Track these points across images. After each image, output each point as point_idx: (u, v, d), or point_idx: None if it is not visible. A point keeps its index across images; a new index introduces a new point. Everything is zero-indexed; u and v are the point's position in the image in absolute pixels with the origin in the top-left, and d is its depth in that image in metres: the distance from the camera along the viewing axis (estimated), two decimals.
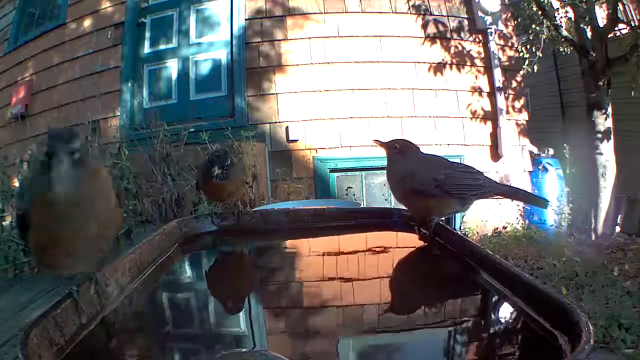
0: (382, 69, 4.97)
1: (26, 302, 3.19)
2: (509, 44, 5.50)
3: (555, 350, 0.73)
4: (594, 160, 5.31)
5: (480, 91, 5.21)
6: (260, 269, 1.35)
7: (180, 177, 4.17)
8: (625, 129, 5.87)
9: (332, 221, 1.51)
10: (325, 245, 1.45)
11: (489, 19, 5.17)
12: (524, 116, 5.46)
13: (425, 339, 0.90)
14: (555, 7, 5.85)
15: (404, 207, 1.44)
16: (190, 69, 5.17)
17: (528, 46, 6.40)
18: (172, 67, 5.22)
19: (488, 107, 5.20)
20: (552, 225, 5.13)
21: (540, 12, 5.90)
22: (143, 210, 4.06)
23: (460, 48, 5.22)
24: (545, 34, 6.34)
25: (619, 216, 5.68)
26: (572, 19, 5.57)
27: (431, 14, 5.18)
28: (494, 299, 1.01)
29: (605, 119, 5.26)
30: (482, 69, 5.24)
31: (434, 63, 5.10)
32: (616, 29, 5.49)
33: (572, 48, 5.67)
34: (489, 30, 5.18)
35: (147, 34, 5.28)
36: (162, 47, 5.26)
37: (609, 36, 5.26)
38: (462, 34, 5.25)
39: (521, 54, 6.06)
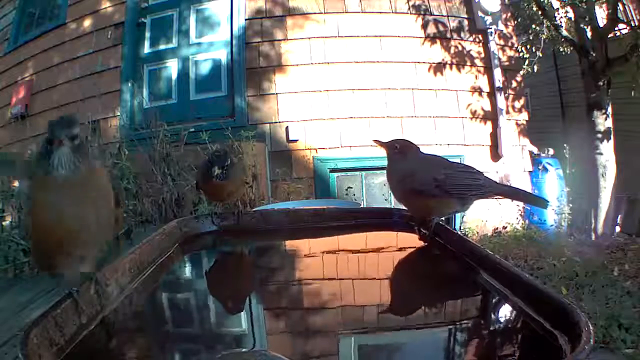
0: (382, 69, 4.97)
1: (26, 302, 3.19)
2: (509, 44, 5.50)
3: (555, 350, 0.73)
4: (594, 160, 5.31)
5: (480, 91, 5.21)
6: (260, 269, 1.35)
7: (180, 177, 4.17)
8: (625, 129, 5.87)
9: (332, 221, 1.51)
10: (325, 245, 1.45)
11: (489, 19, 5.17)
12: (524, 116, 5.46)
13: (425, 339, 0.90)
14: (555, 7, 5.85)
15: (404, 207, 1.44)
16: (190, 69, 5.17)
17: (528, 46, 6.40)
18: (172, 67, 5.22)
19: (488, 107, 5.20)
20: (552, 225, 5.13)
21: (540, 12, 5.90)
22: (143, 210, 4.06)
23: (460, 48, 5.22)
24: (545, 34, 6.34)
25: (619, 216, 5.68)
26: (572, 19, 5.57)
27: (431, 14, 5.18)
28: (494, 299, 1.01)
29: (605, 119, 5.26)
30: (482, 69, 5.24)
31: (434, 63, 5.10)
32: (616, 29, 5.49)
33: (572, 48, 5.67)
34: (489, 30, 5.18)
35: (147, 34, 5.28)
36: (162, 47, 5.26)
37: (609, 36, 5.26)
38: (462, 34, 5.25)
39: (521, 54, 6.06)
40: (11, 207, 4.01)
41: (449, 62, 5.15)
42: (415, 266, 1.31)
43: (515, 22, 6.16)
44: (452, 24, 5.24)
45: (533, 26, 6.39)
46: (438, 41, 5.17)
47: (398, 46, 5.04)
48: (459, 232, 1.51)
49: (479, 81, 5.22)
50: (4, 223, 3.98)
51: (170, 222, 1.40)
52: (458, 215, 4.16)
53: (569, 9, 5.60)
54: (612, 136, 5.28)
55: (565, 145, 5.59)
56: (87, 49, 5.34)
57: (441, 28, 5.20)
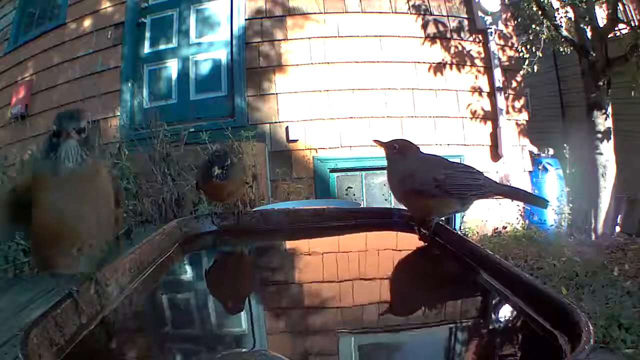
0: (382, 69, 4.97)
1: (26, 302, 3.19)
2: (509, 44, 5.50)
3: (555, 350, 0.73)
4: (594, 160, 5.31)
5: (480, 91, 5.21)
6: (260, 269, 1.35)
7: (180, 177, 4.17)
8: (625, 129, 5.87)
9: (332, 221, 1.51)
10: (325, 245, 1.44)
11: (489, 19, 5.17)
12: (524, 116, 5.46)
13: (425, 339, 0.90)
14: (555, 7, 5.85)
15: (404, 207, 1.44)
16: (190, 69, 5.17)
17: (528, 46, 6.40)
18: (172, 67, 5.22)
19: (488, 107, 5.20)
20: (552, 225, 5.13)
21: (540, 12, 5.90)
22: (143, 210, 4.06)
23: (460, 48, 5.22)
24: (545, 34, 6.34)
25: (619, 216, 5.68)
26: (572, 19, 5.57)
27: (431, 14, 5.18)
28: (494, 299, 1.01)
29: (605, 119, 5.26)
30: (482, 69, 5.24)
31: (434, 63, 5.10)
32: (616, 29, 5.49)
33: (572, 48, 5.67)
34: (489, 30, 5.18)
35: (147, 34, 5.28)
36: (162, 47, 5.26)
37: (609, 36, 5.26)
38: (462, 34, 5.25)
39: (521, 54, 6.06)
40: None
41: (449, 62, 5.15)
42: (415, 266, 1.31)
43: (515, 22, 6.16)
44: (452, 24, 5.24)
45: (533, 26, 6.39)
46: (438, 41, 5.17)
47: (398, 46, 5.04)
48: (459, 232, 1.51)
49: (479, 81, 5.22)
50: None
51: (170, 222, 1.40)
52: (458, 215, 4.16)
53: (569, 9, 5.60)
54: (612, 136, 5.28)
55: (565, 145, 5.59)
56: (87, 49, 5.34)
57: (441, 28, 5.20)
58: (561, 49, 6.49)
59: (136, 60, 5.24)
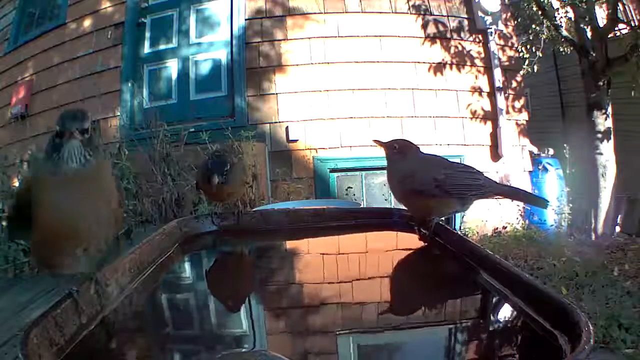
0: (382, 69, 4.97)
1: (26, 302, 3.19)
2: (509, 44, 5.50)
3: (555, 350, 0.73)
4: (594, 160, 5.31)
5: (480, 91, 5.21)
6: (260, 269, 1.35)
7: (180, 177, 4.17)
8: (625, 129, 5.87)
9: (332, 221, 1.51)
10: (325, 245, 1.45)
11: (489, 19, 5.17)
12: (524, 116, 5.46)
13: (425, 338, 0.90)
14: (555, 7, 5.85)
15: (404, 207, 1.44)
16: (190, 69, 5.17)
17: (528, 46, 6.40)
18: (172, 67, 5.22)
19: (488, 107, 5.20)
20: (552, 225, 5.13)
21: (540, 12, 5.90)
22: (143, 210, 4.06)
23: (460, 48, 5.22)
24: (545, 34, 6.34)
25: (619, 216, 5.68)
26: (572, 19, 5.57)
27: (431, 14, 5.18)
28: (494, 299, 1.01)
29: (605, 119, 5.26)
30: (482, 69, 5.24)
31: (434, 63, 5.10)
32: (616, 29, 5.49)
33: (572, 48, 5.67)
34: (489, 30, 5.18)
35: (147, 34, 5.28)
36: (162, 47, 5.26)
37: (609, 36, 5.26)
38: (462, 34, 5.25)
39: (521, 54, 6.06)
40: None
41: (449, 62, 5.15)
42: (415, 266, 1.31)
43: (515, 22, 6.16)
44: (452, 24, 5.24)
45: (533, 26, 6.39)
46: (438, 41, 5.17)
47: (398, 46, 5.04)
48: (459, 232, 1.51)
49: (479, 81, 5.22)
50: (4, 223, 3.98)
51: (170, 222, 1.40)
52: (458, 215, 4.16)
53: (569, 9, 5.60)
54: (612, 136, 5.28)
55: (565, 145, 5.59)
56: (87, 49, 5.34)
57: (441, 28, 5.20)
58: (561, 49, 6.49)
59: (136, 60, 5.24)
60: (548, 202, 1.54)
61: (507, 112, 5.23)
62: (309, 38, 4.98)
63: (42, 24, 5.85)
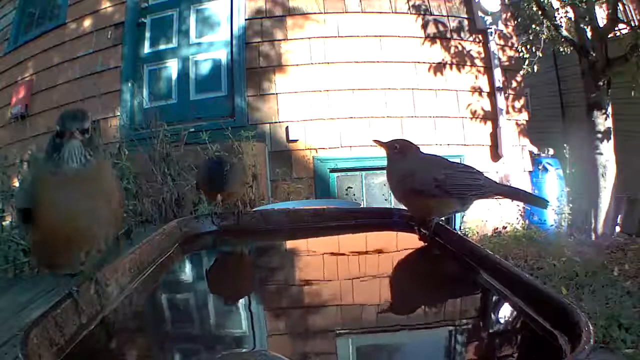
0: (382, 69, 4.97)
1: (26, 302, 3.19)
2: (509, 44, 5.50)
3: (555, 350, 0.73)
4: (594, 160, 5.31)
5: (480, 91, 5.21)
6: (260, 269, 1.35)
7: (180, 177, 4.17)
8: (625, 129, 5.87)
9: (332, 221, 1.51)
10: (325, 245, 1.44)
11: (489, 19, 5.17)
12: (524, 116, 5.46)
13: (425, 338, 0.90)
14: (555, 7, 5.85)
15: (404, 207, 1.44)
16: (190, 69, 5.17)
17: (528, 46, 6.40)
18: (172, 67, 5.22)
19: (488, 107, 5.20)
20: (552, 225, 5.13)
21: (540, 12, 5.90)
22: (143, 210, 4.06)
23: (460, 48, 5.22)
24: (545, 34, 6.34)
25: (619, 216, 5.68)
26: (572, 19, 5.58)
27: (431, 14, 5.18)
28: (494, 299, 1.01)
29: (605, 119, 5.26)
30: (482, 69, 5.24)
31: (434, 63, 5.10)
32: (616, 29, 5.49)
33: (572, 48, 5.67)
34: (489, 30, 5.18)
35: (147, 34, 5.28)
36: (162, 47, 5.26)
37: (609, 36, 5.26)
38: (462, 34, 5.25)
39: (521, 54, 6.06)
40: (11, 207, 4.01)
41: (449, 62, 5.15)
42: (415, 266, 1.31)
43: (515, 22, 6.16)
44: (452, 24, 5.24)
45: (533, 26, 6.39)
46: (438, 41, 5.17)
47: (398, 46, 5.04)
48: (459, 232, 1.51)
49: (479, 81, 5.22)
50: (4, 223, 3.98)
51: (170, 222, 1.40)
52: (458, 215, 4.16)
53: (569, 9, 5.60)
54: (612, 136, 5.28)
55: (565, 145, 5.59)
56: (87, 49, 5.34)
57: (441, 28, 5.20)
58: (561, 49, 6.49)
59: (136, 60, 5.24)
60: (548, 202, 1.54)
61: (507, 112, 5.23)
62: (309, 38, 4.98)
63: (42, 24, 5.85)
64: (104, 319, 0.89)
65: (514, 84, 5.46)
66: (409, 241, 1.40)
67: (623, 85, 5.41)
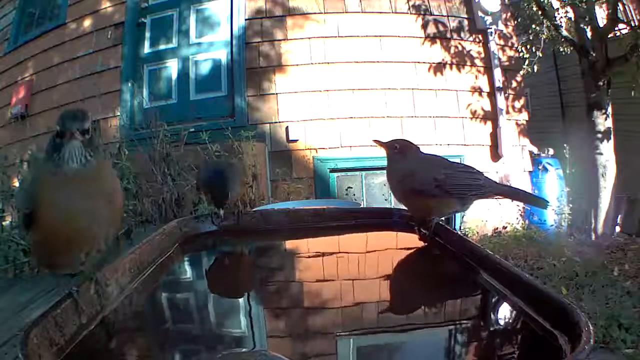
0: (382, 69, 4.97)
1: (26, 302, 3.19)
2: (509, 44, 5.50)
3: (555, 350, 0.73)
4: (594, 160, 5.31)
5: (480, 91, 5.21)
6: (260, 269, 1.35)
7: (180, 177, 4.17)
8: (625, 129, 5.87)
9: (332, 221, 1.51)
10: (325, 245, 1.44)
11: (489, 19, 5.17)
12: (524, 116, 5.46)
13: (425, 338, 0.90)
14: (555, 7, 5.85)
15: (404, 207, 1.44)
16: (190, 69, 5.17)
17: (528, 46, 6.40)
18: (172, 67, 5.22)
19: (488, 107, 5.20)
20: (552, 225, 5.13)
21: (540, 12, 5.90)
22: (143, 210, 4.06)
23: (460, 48, 5.22)
24: (545, 34, 6.34)
25: (619, 216, 5.68)
26: (572, 19, 5.58)
27: (431, 14, 5.18)
28: (494, 299, 1.01)
29: (605, 119, 5.26)
30: (482, 69, 5.24)
31: (434, 63, 5.10)
32: (616, 29, 5.49)
33: (572, 48, 5.67)
34: (489, 30, 5.18)
35: (147, 34, 5.28)
36: (162, 47, 5.26)
37: (609, 36, 5.26)
38: (462, 34, 5.25)
39: (521, 54, 6.06)
40: (11, 207, 4.02)
41: (449, 62, 5.15)
42: (415, 266, 1.31)
43: (515, 22, 6.16)
44: (452, 24, 5.24)
45: (533, 26, 6.39)
46: (438, 41, 5.17)
47: (398, 46, 5.04)
48: (459, 232, 1.51)
49: (479, 81, 5.22)
50: (4, 223, 3.98)
51: (170, 222, 1.40)
52: (458, 215, 4.16)
53: (569, 9, 5.60)
54: (612, 136, 5.28)
55: (565, 145, 5.59)
56: (87, 49, 5.34)
57: (441, 28, 5.20)
58: (561, 49, 6.49)
59: (136, 60, 5.24)
60: (548, 202, 1.54)
61: (507, 112, 5.23)
62: (309, 38, 4.98)
63: (42, 24, 5.85)
64: (104, 319, 0.89)
65: (514, 84, 5.46)
66: (409, 241, 1.40)
67: (623, 85, 5.41)
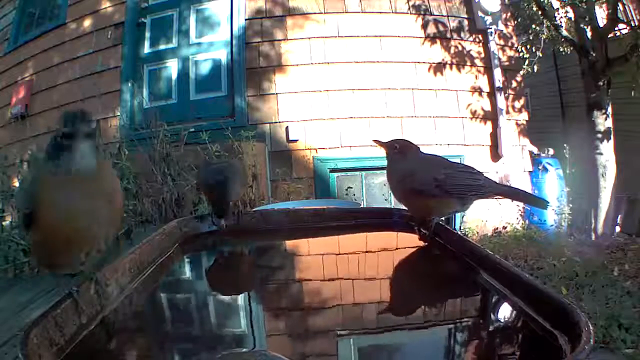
0: (382, 69, 4.97)
1: (26, 302, 3.19)
2: (509, 44, 5.50)
3: (555, 350, 0.73)
4: (594, 160, 5.31)
5: (480, 91, 5.21)
6: (260, 269, 1.35)
7: (180, 177, 4.17)
8: (625, 129, 5.87)
9: (332, 221, 1.51)
10: (325, 245, 1.44)
11: (489, 19, 5.17)
12: (524, 116, 5.46)
13: (425, 338, 0.90)
14: (555, 7, 5.85)
15: (404, 207, 1.44)
16: (190, 69, 5.17)
17: (528, 46, 6.40)
18: (172, 67, 5.22)
19: (488, 107, 5.20)
20: (552, 225, 5.13)
21: (540, 12, 5.90)
22: (143, 210, 4.06)
23: (460, 48, 5.22)
24: (545, 34, 6.34)
25: (619, 216, 5.68)
26: (572, 19, 5.57)
27: (431, 14, 5.18)
28: (494, 299, 1.01)
29: (605, 119, 5.26)
30: (482, 69, 5.24)
31: (434, 63, 5.10)
32: (616, 29, 5.49)
33: (572, 48, 5.67)
34: (489, 30, 5.18)
35: (147, 34, 5.28)
36: (162, 47, 5.26)
37: (609, 36, 5.26)
38: (462, 34, 5.25)
39: (521, 54, 6.06)
40: (11, 207, 4.02)
41: (449, 62, 5.15)
42: (415, 266, 1.31)
43: (515, 22, 6.16)
44: (452, 24, 5.24)
45: (533, 26, 6.39)
46: (438, 41, 5.17)
47: (398, 46, 5.05)
48: (459, 232, 1.51)
49: (479, 81, 5.22)
50: (4, 223, 3.98)
51: (170, 222, 1.40)
52: (458, 215, 4.16)
53: (569, 9, 5.60)
54: (612, 136, 5.28)
55: (565, 145, 5.59)
56: (87, 49, 5.34)
57: (441, 28, 5.20)
58: (561, 49, 6.49)
59: (136, 60, 5.24)
60: (548, 202, 1.54)
61: (507, 112, 5.23)
62: (309, 38, 4.98)
63: (42, 24, 5.85)
64: (104, 319, 0.89)
65: (514, 84, 5.46)
66: (409, 241, 1.40)
67: (623, 85, 5.41)
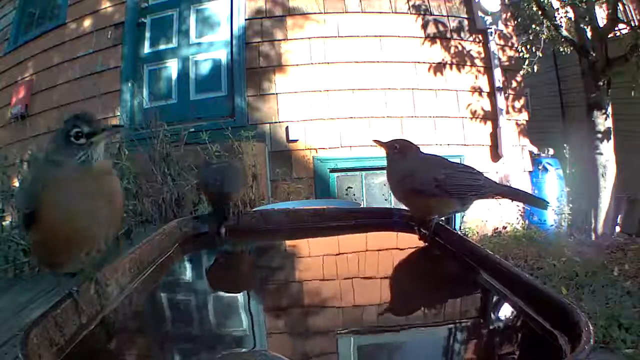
0: (382, 69, 4.97)
1: (26, 302, 3.19)
2: (509, 44, 5.50)
3: (555, 350, 0.73)
4: (594, 160, 5.31)
5: (480, 91, 5.21)
6: (260, 269, 1.35)
7: (180, 177, 4.17)
8: (625, 129, 5.87)
9: (332, 221, 1.51)
10: (325, 245, 1.44)
11: (489, 19, 5.17)
12: (524, 116, 5.46)
13: (425, 338, 0.90)
14: (555, 7, 5.85)
15: (404, 207, 1.44)
16: (190, 69, 5.17)
17: (528, 46, 6.40)
18: (172, 67, 5.22)
19: (488, 107, 5.20)
20: (552, 225, 5.13)
21: (540, 12, 5.90)
22: (143, 210, 4.05)
23: (460, 48, 5.22)
24: (545, 34, 6.34)
25: (619, 216, 5.68)
26: (572, 19, 5.58)
27: (431, 14, 5.18)
28: (494, 299, 1.01)
29: (605, 119, 5.26)
30: (482, 69, 5.24)
31: (434, 63, 5.10)
32: (616, 29, 5.50)
33: (572, 48, 5.67)
34: (489, 30, 5.18)
35: (147, 34, 5.29)
36: (162, 47, 5.26)
37: (609, 36, 5.26)
38: (462, 34, 5.25)
39: (521, 54, 6.07)
40: (11, 207, 4.01)
41: (449, 62, 5.15)
42: (415, 266, 1.31)
43: (515, 22, 6.16)
44: (452, 24, 5.24)
45: (533, 26, 6.40)
46: (438, 41, 5.17)
47: (398, 46, 5.05)
48: (459, 232, 1.51)
49: (479, 81, 5.22)
50: (4, 223, 3.98)
51: (170, 222, 1.40)
52: (458, 215, 4.16)
53: (569, 9, 5.61)
54: (612, 136, 5.28)
55: (565, 145, 5.59)
56: (87, 49, 5.34)
57: (441, 28, 5.20)
58: (561, 49, 6.49)
59: (136, 60, 5.24)
60: (548, 203, 1.54)
61: (507, 112, 5.23)
62: (309, 38, 4.98)
63: (42, 24, 5.85)
64: (104, 319, 0.89)
65: (514, 84, 5.46)
66: (409, 241, 1.40)
67: (623, 85, 5.41)
